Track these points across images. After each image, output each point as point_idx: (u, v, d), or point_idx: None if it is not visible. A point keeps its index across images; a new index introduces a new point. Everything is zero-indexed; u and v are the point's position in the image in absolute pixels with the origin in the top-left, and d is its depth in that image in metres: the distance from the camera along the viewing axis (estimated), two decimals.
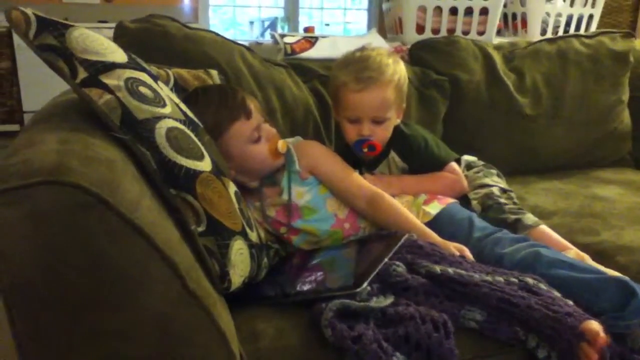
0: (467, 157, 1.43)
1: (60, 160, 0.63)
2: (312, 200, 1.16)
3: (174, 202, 0.78)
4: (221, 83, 1.30)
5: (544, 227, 1.17)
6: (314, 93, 1.57)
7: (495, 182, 1.31)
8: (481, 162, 1.41)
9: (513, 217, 1.18)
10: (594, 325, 0.81)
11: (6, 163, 0.63)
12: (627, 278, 0.94)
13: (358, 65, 1.23)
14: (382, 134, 1.26)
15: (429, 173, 1.29)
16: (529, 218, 1.19)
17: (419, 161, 1.30)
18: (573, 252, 1.10)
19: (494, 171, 1.36)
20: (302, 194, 1.16)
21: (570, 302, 0.88)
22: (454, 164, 1.32)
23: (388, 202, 1.14)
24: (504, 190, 1.28)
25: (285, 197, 1.16)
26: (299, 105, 1.51)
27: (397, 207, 1.13)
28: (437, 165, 1.30)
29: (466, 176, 1.34)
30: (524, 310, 0.83)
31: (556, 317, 0.81)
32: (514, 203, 1.25)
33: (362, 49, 1.28)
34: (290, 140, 1.25)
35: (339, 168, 1.19)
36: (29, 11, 0.77)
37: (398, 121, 1.31)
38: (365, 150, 1.25)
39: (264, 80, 1.48)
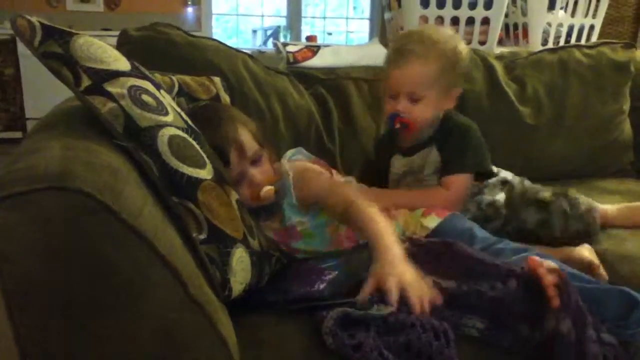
0: (504, 174, 1.35)
1: (65, 166, 0.64)
2: (311, 226, 1.13)
3: (176, 209, 0.78)
4: (209, 109, 1.18)
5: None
6: (316, 99, 1.58)
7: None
8: (517, 179, 1.35)
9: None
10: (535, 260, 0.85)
11: (11, 169, 0.64)
12: (628, 289, 0.94)
13: (404, 39, 1.21)
14: (418, 113, 1.20)
15: (424, 188, 1.27)
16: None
17: (445, 156, 1.25)
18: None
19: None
20: (302, 223, 1.13)
21: None
22: (462, 178, 1.26)
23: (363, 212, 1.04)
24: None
25: (284, 224, 1.13)
26: (301, 112, 1.52)
27: (370, 214, 1.03)
28: (449, 169, 1.25)
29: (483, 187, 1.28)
30: (492, 303, 0.85)
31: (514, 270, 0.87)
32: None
33: (423, 26, 1.25)
34: (289, 154, 1.23)
35: (329, 195, 1.12)
36: (34, 19, 0.78)
37: (448, 106, 1.25)
38: (398, 126, 1.20)
39: (266, 87, 1.49)
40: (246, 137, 1.11)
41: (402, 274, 0.85)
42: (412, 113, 1.20)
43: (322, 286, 0.92)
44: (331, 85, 1.63)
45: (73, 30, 0.82)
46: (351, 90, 1.63)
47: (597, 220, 1.23)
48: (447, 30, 1.37)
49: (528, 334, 0.85)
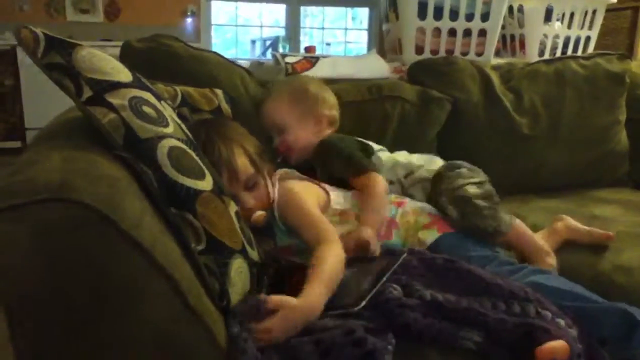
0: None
1: (65, 178, 0.64)
2: (304, 247, 1.09)
3: (174, 220, 0.79)
4: (208, 126, 1.15)
5: (518, 226, 1.23)
6: None
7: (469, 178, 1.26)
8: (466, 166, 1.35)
9: (492, 225, 1.18)
10: (560, 347, 0.81)
11: (11, 180, 0.65)
12: (626, 306, 0.95)
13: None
14: (289, 139, 1.33)
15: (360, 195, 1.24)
16: (504, 221, 1.21)
17: (338, 164, 1.28)
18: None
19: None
20: (295, 244, 1.11)
21: (562, 323, 0.87)
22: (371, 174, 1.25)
23: (328, 257, 0.99)
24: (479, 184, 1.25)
25: (277, 245, 1.12)
26: None
27: (331, 265, 0.97)
28: (354, 169, 1.26)
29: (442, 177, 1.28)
30: (501, 333, 0.84)
31: (529, 329, 0.83)
32: (490, 200, 1.22)
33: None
34: (280, 172, 1.22)
35: (304, 217, 1.09)
36: (38, 30, 0.79)
37: (320, 131, 1.35)
38: (281, 155, 1.35)
39: (258, 108, 1.48)
40: (241, 161, 1.09)
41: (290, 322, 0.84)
42: (284, 142, 1.34)
43: None
44: None
45: (76, 42, 0.83)
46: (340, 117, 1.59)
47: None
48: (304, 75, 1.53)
49: (523, 356, 0.84)
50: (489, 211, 1.18)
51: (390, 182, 1.33)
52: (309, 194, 1.15)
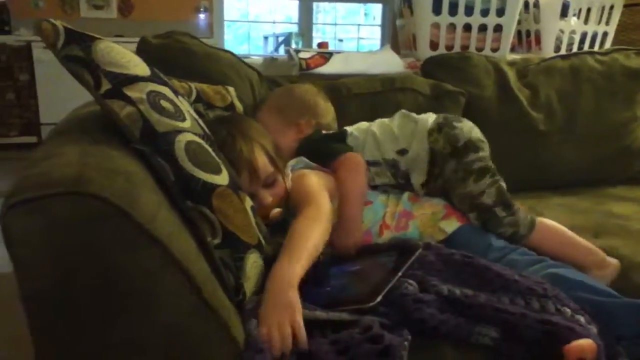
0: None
1: (81, 171, 0.64)
2: None
3: (190, 214, 0.79)
4: (229, 123, 1.16)
5: (542, 225, 1.18)
6: None
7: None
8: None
9: (510, 230, 1.16)
10: (587, 345, 0.80)
11: (27, 174, 0.65)
12: None
13: None
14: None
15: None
16: (523, 225, 1.17)
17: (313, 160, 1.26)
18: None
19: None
20: None
21: (582, 320, 0.86)
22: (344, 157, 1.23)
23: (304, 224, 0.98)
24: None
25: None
26: None
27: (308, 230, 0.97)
28: (324, 158, 1.25)
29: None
30: (523, 330, 0.82)
31: (553, 329, 0.81)
32: (506, 205, 1.19)
33: None
34: (291, 163, 1.22)
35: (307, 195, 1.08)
36: (58, 23, 0.79)
37: (299, 135, 1.35)
38: None
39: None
40: (261, 159, 1.11)
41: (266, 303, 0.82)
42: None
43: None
44: (332, 102, 1.54)
45: (95, 35, 0.83)
46: (350, 107, 1.58)
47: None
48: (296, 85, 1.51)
49: (542, 353, 0.83)
50: (509, 219, 1.17)
51: (376, 164, 1.29)
52: (318, 180, 1.15)
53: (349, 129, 1.36)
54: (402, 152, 1.28)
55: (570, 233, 1.19)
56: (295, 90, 1.45)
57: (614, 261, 1.15)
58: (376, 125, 1.34)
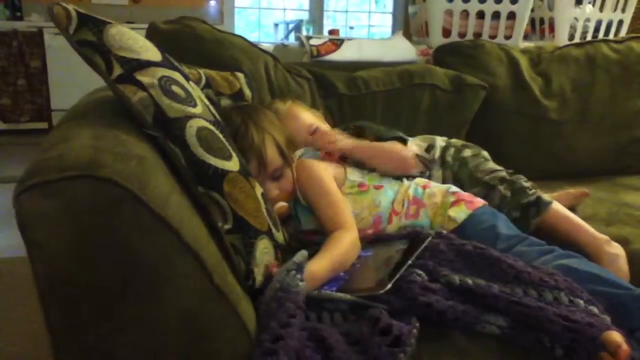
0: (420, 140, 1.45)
1: (94, 155, 0.65)
2: None
3: (201, 199, 0.79)
4: (242, 112, 1.16)
5: (557, 205, 1.25)
6: (329, 111, 1.56)
7: (494, 165, 1.38)
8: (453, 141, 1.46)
9: (535, 196, 1.25)
10: (615, 336, 0.78)
11: (42, 157, 0.65)
12: None
13: None
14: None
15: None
16: (545, 196, 1.26)
17: None
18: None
19: (475, 150, 1.42)
20: (317, 226, 1.12)
21: (595, 310, 0.86)
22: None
23: (343, 240, 1.02)
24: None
25: (297, 226, 1.14)
26: None
27: (342, 247, 1.01)
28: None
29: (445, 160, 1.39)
30: (543, 323, 0.82)
31: (575, 327, 0.80)
32: (525, 181, 1.31)
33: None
34: (298, 153, 1.24)
35: (324, 196, 1.12)
36: (70, 7, 0.79)
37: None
38: None
39: (280, 93, 1.48)
40: (271, 151, 1.10)
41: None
42: None
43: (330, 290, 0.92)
44: (349, 100, 1.59)
45: (107, 20, 0.83)
46: (367, 104, 1.59)
47: (537, 217, 1.23)
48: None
49: (550, 346, 0.83)
50: (531, 186, 1.28)
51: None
52: (326, 170, 1.17)
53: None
54: (429, 148, 1.43)
55: (576, 217, 1.24)
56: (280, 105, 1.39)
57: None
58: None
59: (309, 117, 1.34)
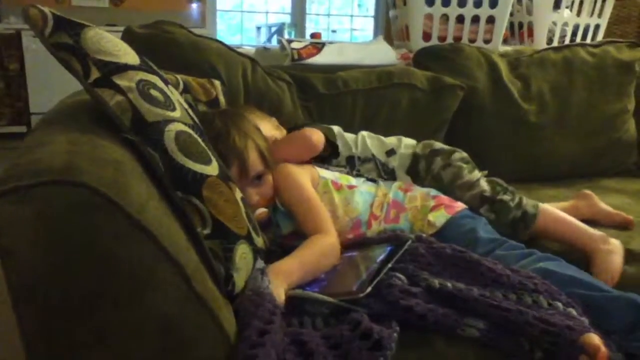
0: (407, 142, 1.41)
1: (70, 160, 0.64)
2: None
3: (180, 204, 0.78)
4: (225, 116, 1.15)
5: (545, 209, 1.23)
6: (309, 114, 1.56)
7: (468, 173, 1.31)
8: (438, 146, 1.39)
9: (520, 212, 1.23)
10: (594, 338, 0.79)
11: (16, 162, 0.64)
12: (637, 297, 0.93)
13: None
14: None
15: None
16: (530, 205, 1.24)
17: None
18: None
19: (445, 157, 1.35)
20: (295, 229, 1.12)
21: (574, 312, 0.87)
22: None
23: (317, 243, 1.03)
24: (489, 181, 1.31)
25: (276, 231, 1.14)
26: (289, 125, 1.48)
27: (314, 248, 1.01)
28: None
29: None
30: (522, 326, 0.82)
31: (554, 331, 0.80)
32: (508, 191, 1.28)
33: None
34: None
35: (304, 202, 1.12)
36: (46, 9, 0.78)
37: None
38: None
39: (257, 98, 1.47)
40: (253, 155, 1.09)
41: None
42: None
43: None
44: (329, 99, 1.58)
45: (84, 23, 0.82)
46: (347, 103, 1.58)
47: (526, 231, 1.23)
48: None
49: (529, 349, 0.84)
50: (515, 201, 1.25)
51: (367, 160, 1.37)
52: (303, 174, 1.17)
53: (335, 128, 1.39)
54: (390, 152, 1.37)
55: (568, 216, 1.24)
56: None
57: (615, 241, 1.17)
58: (364, 132, 1.41)
59: (266, 129, 1.27)
